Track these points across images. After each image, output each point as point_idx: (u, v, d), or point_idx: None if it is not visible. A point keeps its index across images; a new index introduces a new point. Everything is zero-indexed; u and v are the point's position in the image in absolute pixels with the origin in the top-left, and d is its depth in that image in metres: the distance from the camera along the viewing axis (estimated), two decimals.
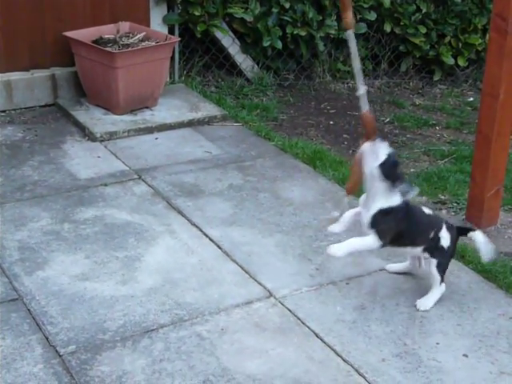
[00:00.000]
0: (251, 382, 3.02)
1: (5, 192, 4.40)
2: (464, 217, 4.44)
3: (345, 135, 5.72)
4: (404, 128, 5.93)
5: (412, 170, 5.17)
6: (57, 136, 5.19)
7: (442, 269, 3.52)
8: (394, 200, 3.31)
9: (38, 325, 3.28)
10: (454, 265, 3.86)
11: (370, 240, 3.34)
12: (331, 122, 5.93)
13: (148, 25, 5.81)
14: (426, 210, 3.55)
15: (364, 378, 3.08)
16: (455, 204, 4.62)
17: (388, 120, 6.06)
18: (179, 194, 4.47)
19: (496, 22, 4.01)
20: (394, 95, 6.61)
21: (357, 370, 3.12)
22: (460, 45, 6.76)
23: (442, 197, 4.72)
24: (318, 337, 3.30)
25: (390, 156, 3.22)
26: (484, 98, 4.18)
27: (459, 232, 3.57)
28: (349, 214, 3.49)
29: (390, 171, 3.23)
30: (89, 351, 3.15)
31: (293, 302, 3.52)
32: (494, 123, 4.11)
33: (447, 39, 6.75)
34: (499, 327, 3.43)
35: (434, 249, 3.48)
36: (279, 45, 6.17)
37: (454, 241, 3.53)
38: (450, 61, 6.78)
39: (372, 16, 6.47)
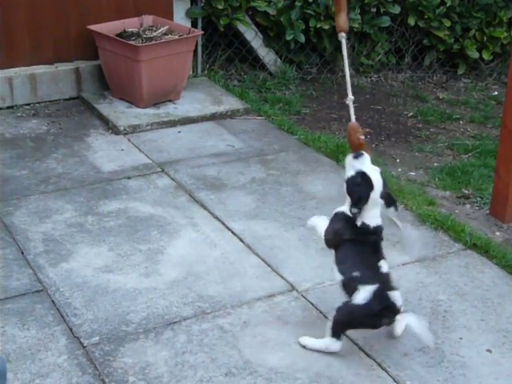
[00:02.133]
0: (273, 375, 3.03)
1: (29, 184, 4.43)
2: (488, 211, 4.41)
3: (368, 129, 5.69)
4: (427, 122, 5.90)
5: (435, 164, 5.14)
6: (81, 129, 5.21)
7: (336, 323, 3.09)
8: (350, 216, 3.10)
9: (62, 316, 3.31)
10: (477, 259, 3.86)
11: (321, 230, 3.26)
12: (354, 116, 5.90)
13: (171, 18, 5.82)
14: (383, 264, 3.12)
15: (387, 372, 3.08)
16: (479, 199, 4.59)
17: (411, 114, 6.03)
18: (202, 187, 4.48)
19: None
20: (418, 89, 6.58)
21: (379, 364, 3.11)
22: (485, 38, 6.70)
23: (466, 191, 4.70)
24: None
25: (358, 174, 3.02)
26: (509, 91, 4.14)
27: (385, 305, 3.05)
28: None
29: (351, 189, 3.05)
30: (112, 343, 3.16)
31: (315, 295, 3.52)
32: None
33: (472, 33, 6.69)
34: None
35: (345, 291, 3.13)
36: (302, 38, 6.16)
37: (371, 308, 3.03)
38: (475, 54, 6.73)
39: (396, 9, 6.43)
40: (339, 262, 3.15)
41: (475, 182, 4.78)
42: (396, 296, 3.08)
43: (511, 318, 3.43)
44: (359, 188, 3.03)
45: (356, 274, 3.07)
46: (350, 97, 3.27)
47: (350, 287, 3.08)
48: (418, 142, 5.52)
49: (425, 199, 4.45)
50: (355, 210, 3.03)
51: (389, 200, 3.10)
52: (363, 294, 3.02)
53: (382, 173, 3.08)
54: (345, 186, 3.09)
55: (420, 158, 5.26)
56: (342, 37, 3.22)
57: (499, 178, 4.30)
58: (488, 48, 6.76)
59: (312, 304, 3.46)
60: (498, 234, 4.23)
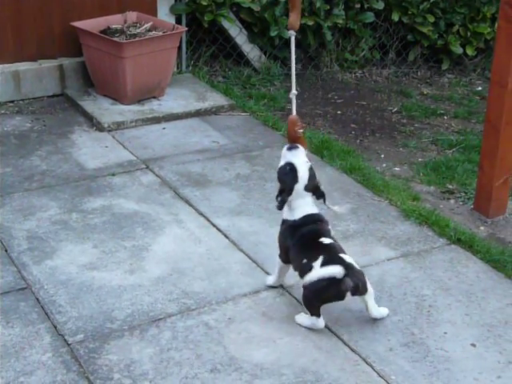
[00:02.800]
0: (259, 371, 3.03)
1: (13, 182, 4.41)
2: (472, 206, 4.43)
3: (352, 125, 5.70)
4: (412, 117, 5.92)
5: (420, 159, 5.16)
6: (65, 126, 5.19)
7: (305, 303, 3.23)
8: (287, 213, 3.30)
9: (46, 314, 3.30)
10: (461, 254, 3.88)
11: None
12: (338, 112, 5.92)
13: (155, 14, 5.80)
14: (324, 239, 3.23)
15: (371, 367, 3.08)
16: (463, 194, 4.61)
17: (396, 109, 6.05)
18: (186, 183, 4.47)
19: (505, 11, 3.99)
20: (402, 85, 6.60)
21: (364, 360, 3.12)
22: (468, 34, 6.74)
23: (450, 186, 4.71)
24: (325, 326, 3.30)
25: (287, 164, 3.18)
26: (492, 86, 4.16)
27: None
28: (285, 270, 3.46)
29: (281, 177, 3.24)
30: (97, 340, 3.16)
31: (300, 291, 3.51)
32: (502, 112, 4.10)
33: (455, 28, 6.72)
34: (507, 317, 3.43)
35: (302, 277, 3.23)
36: (287, 34, 6.15)
37: (325, 284, 3.13)
38: (459, 50, 6.75)
39: (380, 5, 6.45)
40: (292, 264, 3.34)
41: (459, 177, 4.80)
42: (347, 258, 3.17)
43: (495, 313, 3.45)
44: (286, 178, 3.19)
45: (304, 260, 3.20)
46: (294, 91, 3.34)
47: (304, 274, 3.19)
48: (403, 138, 5.53)
49: (409, 194, 4.47)
50: (279, 198, 3.21)
51: (317, 193, 3.27)
52: (316, 268, 3.14)
53: (311, 167, 3.22)
54: (277, 174, 3.27)
55: (404, 153, 5.28)
56: (291, 34, 3.27)
57: (483, 173, 4.32)
58: (472, 43, 6.79)
59: (297, 300, 3.46)
60: (482, 228, 4.25)
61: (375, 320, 3.34)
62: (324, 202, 3.32)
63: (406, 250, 3.89)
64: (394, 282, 3.63)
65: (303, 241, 3.25)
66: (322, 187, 3.31)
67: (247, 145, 5.03)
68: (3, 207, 4.13)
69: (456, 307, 3.47)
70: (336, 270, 3.10)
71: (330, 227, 3.35)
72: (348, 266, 3.12)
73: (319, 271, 3.12)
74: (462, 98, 6.46)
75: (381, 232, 4.06)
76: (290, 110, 3.40)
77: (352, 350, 3.18)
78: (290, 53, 3.35)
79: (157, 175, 4.56)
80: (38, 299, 3.39)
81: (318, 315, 3.23)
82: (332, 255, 3.16)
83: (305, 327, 3.26)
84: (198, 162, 4.75)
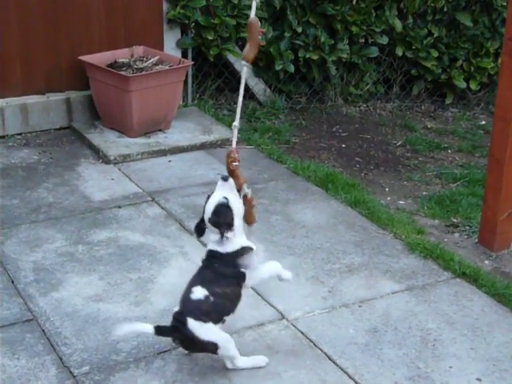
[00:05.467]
0: None
1: (20, 214, 4.44)
2: (477, 240, 4.44)
3: (357, 158, 5.74)
4: (416, 151, 5.95)
5: (424, 192, 5.18)
6: (71, 158, 5.23)
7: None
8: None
9: (52, 345, 3.30)
10: (466, 288, 3.88)
11: None
12: (343, 145, 5.96)
13: (162, 49, 5.87)
14: (196, 290, 3.09)
15: None
16: (467, 227, 4.62)
17: (400, 143, 6.08)
18: (192, 216, 4.49)
19: (508, 46, 4.03)
20: (406, 118, 6.64)
21: None
22: (472, 68, 6.79)
23: (455, 220, 4.73)
24: (330, 359, 3.30)
25: (208, 196, 3.16)
26: (496, 121, 4.20)
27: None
28: None
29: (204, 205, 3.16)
30: (102, 372, 3.16)
31: (305, 324, 3.53)
32: (506, 147, 4.13)
33: (459, 63, 6.78)
34: None
35: None
36: (291, 68, 6.23)
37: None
38: (462, 84, 6.80)
39: (384, 40, 6.51)
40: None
41: (464, 211, 4.81)
42: (191, 324, 3.03)
43: (501, 347, 3.44)
44: (203, 207, 3.17)
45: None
46: (235, 123, 3.36)
47: None
48: (407, 171, 5.56)
49: (414, 228, 4.48)
50: (198, 224, 3.19)
51: (220, 232, 3.09)
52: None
53: (222, 204, 3.08)
54: None
55: (409, 186, 5.30)
56: (244, 65, 3.31)
57: (487, 207, 4.34)
58: (475, 78, 6.84)
59: (302, 333, 3.46)
60: (486, 262, 4.26)
61: (380, 353, 3.34)
62: (221, 239, 3.10)
63: (411, 284, 3.89)
64: (399, 315, 3.63)
65: (189, 280, 3.17)
66: (228, 230, 3.08)
67: (252, 178, 5.05)
68: (10, 239, 4.16)
69: (461, 341, 3.47)
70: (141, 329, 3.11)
71: (241, 269, 3.13)
72: (176, 330, 3.07)
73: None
74: (465, 131, 6.49)
75: (385, 265, 4.07)
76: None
77: (357, 383, 3.17)
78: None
79: (162, 207, 4.58)
80: (43, 331, 3.40)
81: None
82: (184, 313, 3.06)
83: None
84: (204, 195, 4.67)
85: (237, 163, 3.21)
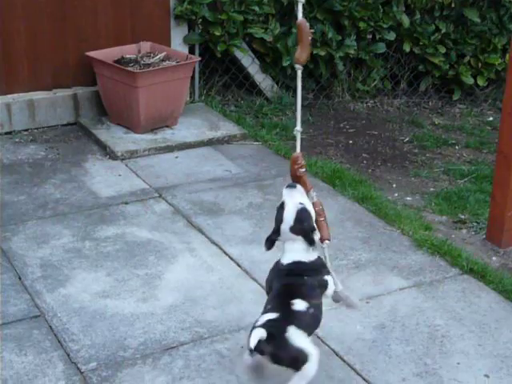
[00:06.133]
0: None
1: (27, 210, 4.44)
2: (484, 236, 4.43)
3: (364, 154, 5.72)
4: (423, 147, 5.93)
5: (432, 189, 5.16)
6: (78, 154, 5.24)
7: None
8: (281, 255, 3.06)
9: (59, 342, 3.31)
10: (474, 284, 3.87)
11: None
12: (350, 141, 5.95)
13: (169, 44, 5.87)
14: (297, 303, 2.90)
15: None
16: (475, 223, 4.61)
17: (407, 139, 6.07)
18: (199, 212, 4.49)
19: None
20: (413, 115, 6.62)
21: None
22: (480, 64, 6.76)
23: (462, 216, 4.71)
24: (337, 355, 3.29)
25: (280, 204, 3.00)
26: (504, 117, 4.18)
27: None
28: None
29: (276, 215, 3.01)
30: (110, 368, 3.16)
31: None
32: None
33: (467, 59, 6.75)
34: None
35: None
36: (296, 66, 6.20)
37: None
38: (470, 80, 6.78)
39: (391, 36, 6.49)
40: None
41: (471, 207, 4.80)
42: (291, 333, 2.82)
43: (508, 343, 3.43)
44: (276, 217, 3.02)
45: (267, 306, 2.95)
46: (298, 128, 3.24)
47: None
48: (414, 167, 5.54)
49: (421, 224, 4.47)
50: (268, 237, 3.03)
51: (306, 238, 2.97)
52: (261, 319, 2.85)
53: (302, 210, 2.97)
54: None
55: (416, 183, 5.29)
56: (298, 68, 3.20)
57: (495, 203, 4.32)
58: (483, 74, 6.81)
59: None
60: (494, 258, 4.24)
61: (388, 350, 3.33)
62: (312, 248, 2.97)
63: (419, 280, 3.88)
64: (407, 311, 3.63)
65: (278, 291, 2.97)
66: (315, 233, 2.99)
67: (259, 174, 5.06)
68: (17, 235, 4.16)
69: (469, 337, 3.46)
70: (258, 334, 2.76)
71: (325, 278, 3.04)
72: (272, 337, 2.77)
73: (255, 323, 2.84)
74: (473, 128, 6.47)
75: (393, 261, 4.06)
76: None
77: (365, 379, 3.17)
78: (302, 82, 3.33)
79: (169, 204, 4.58)
80: (51, 327, 3.40)
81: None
82: (277, 321, 2.83)
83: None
84: (211, 191, 4.77)
85: (304, 169, 3.10)
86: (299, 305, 2.89)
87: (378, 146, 5.91)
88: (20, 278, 3.77)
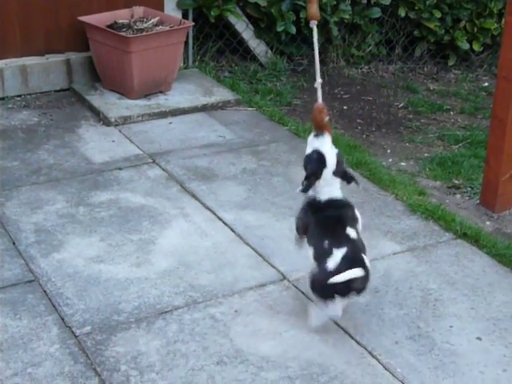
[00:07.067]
0: (265, 364, 3.04)
1: (21, 175, 4.43)
2: (478, 201, 4.44)
3: (358, 120, 5.71)
4: (418, 113, 5.92)
5: (426, 154, 5.16)
6: (72, 120, 5.21)
7: (312, 290, 3.16)
8: (304, 190, 3.23)
9: (53, 306, 3.32)
10: (467, 249, 3.89)
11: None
12: (345, 107, 5.93)
13: (162, 9, 5.81)
14: (350, 231, 3.16)
15: (377, 360, 3.10)
16: (469, 189, 4.62)
17: (402, 105, 6.05)
18: (193, 177, 4.48)
19: None
20: (408, 80, 6.59)
21: (370, 353, 3.13)
22: (475, 29, 6.72)
23: (456, 181, 4.72)
24: (331, 319, 3.31)
25: (314, 151, 3.17)
26: (499, 81, 4.16)
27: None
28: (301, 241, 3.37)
29: (307, 164, 3.22)
30: (104, 332, 3.17)
31: (306, 284, 3.51)
32: (509, 107, 4.10)
33: (462, 24, 6.71)
34: None
35: (318, 260, 3.15)
36: (293, 30, 6.16)
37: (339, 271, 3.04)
38: (465, 46, 6.74)
39: (386, 0, 6.44)
40: (309, 241, 3.24)
41: (465, 172, 4.80)
42: (367, 261, 3.12)
43: (501, 307, 3.45)
44: (314, 164, 3.18)
45: (326, 242, 3.12)
46: (319, 80, 3.36)
47: (323, 257, 3.11)
48: (409, 133, 5.53)
49: (415, 189, 4.47)
50: (305, 183, 3.19)
51: (347, 178, 3.23)
52: (336, 256, 3.06)
53: (338, 153, 3.20)
54: (303, 161, 3.24)
55: (411, 148, 5.28)
56: (314, 24, 3.32)
57: (489, 168, 4.32)
58: (478, 39, 6.78)
59: (303, 293, 3.47)
60: (488, 223, 4.26)
61: (381, 313, 3.35)
62: (357, 184, 3.26)
63: (412, 245, 3.90)
64: (400, 275, 3.64)
65: (327, 223, 3.19)
66: (350, 171, 3.30)
67: (253, 139, 5.04)
68: (11, 200, 4.15)
69: (462, 301, 3.48)
70: (357, 273, 3.04)
71: (356, 213, 3.28)
72: (366, 270, 3.08)
73: (339, 263, 3.05)
74: (468, 93, 6.45)
75: (387, 226, 4.06)
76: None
77: (358, 343, 3.19)
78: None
79: (163, 169, 4.57)
80: (45, 291, 3.41)
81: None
82: (356, 253, 3.10)
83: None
84: (205, 157, 4.76)
85: (327, 117, 3.28)
86: (354, 234, 3.17)
87: (372, 111, 5.89)
88: (14, 243, 3.76)
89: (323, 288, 3.09)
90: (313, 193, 3.23)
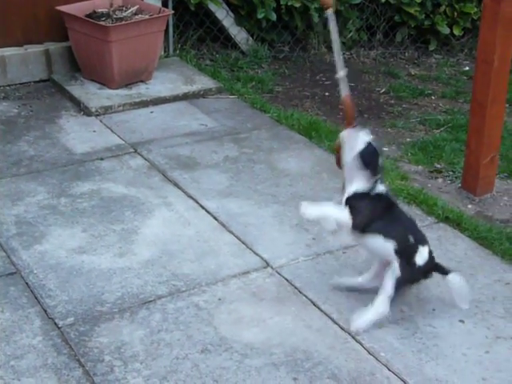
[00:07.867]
0: (249, 351, 3.04)
1: (1, 167, 4.40)
2: (460, 185, 4.45)
3: (340, 106, 5.68)
4: (400, 98, 5.92)
5: (408, 139, 5.17)
6: (52, 111, 5.18)
7: (398, 286, 3.16)
8: (372, 187, 3.14)
9: (36, 298, 3.30)
10: (450, 232, 3.90)
11: (345, 215, 3.15)
12: (326, 94, 5.92)
13: None
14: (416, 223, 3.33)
15: (361, 344, 3.10)
16: (451, 172, 4.63)
17: (384, 90, 6.05)
18: (175, 166, 4.47)
19: None
20: (390, 65, 6.59)
21: (354, 338, 3.14)
22: (455, 14, 6.73)
23: (438, 165, 4.73)
24: (315, 305, 3.32)
25: (369, 144, 3.11)
26: (478, 64, 4.17)
27: (436, 267, 3.27)
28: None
29: (370, 159, 3.10)
30: (87, 323, 3.16)
31: (290, 271, 3.54)
32: (488, 90, 4.11)
33: (442, 8, 6.72)
34: (495, 293, 3.45)
35: (404, 257, 3.16)
36: (273, 17, 6.14)
37: (427, 268, 3.23)
38: (446, 30, 6.75)
39: None
40: (386, 234, 3.16)
41: (447, 157, 4.81)
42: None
43: (483, 289, 3.47)
44: (375, 157, 3.13)
45: (410, 239, 3.19)
46: (341, 73, 3.36)
47: (408, 251, 3.18)
48: (391, 118, 5.54)
49: (398, 174, 4.48)
50: (377, 177, 3.14)
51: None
52: (423, 253, 3.20)
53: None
54: (358, 159, 3.10)
55: (392, 133, 5.29)
56: (330, 15, 3.28)
57: (470, 152, 4.33)
58: (459, 24, 6.79)
59: (287, 280, 3.48)
60: (469, 206, 4.27)
61: (364, 298, 3.35)
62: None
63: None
64: None
65: (404, 217, 3.27)
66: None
67: (235, 127, 5.03)
68: None
69: (445, 284, 3.48)
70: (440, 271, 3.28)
71: None
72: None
73: (427, 259, 3.21)
74: (449, 78, 6.46)
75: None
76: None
77: (342, 328, 3.20)
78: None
79: (145, 159, 4.55)
80: (27, 283, 3.39)
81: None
82: (430, 249, 3.26)
83: (368, 324, 3.18)
84: (187, 145, 4.74)
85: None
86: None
87: (354, 97, 5.84)
88: None
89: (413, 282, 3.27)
90: (362, 186, 3.15)
